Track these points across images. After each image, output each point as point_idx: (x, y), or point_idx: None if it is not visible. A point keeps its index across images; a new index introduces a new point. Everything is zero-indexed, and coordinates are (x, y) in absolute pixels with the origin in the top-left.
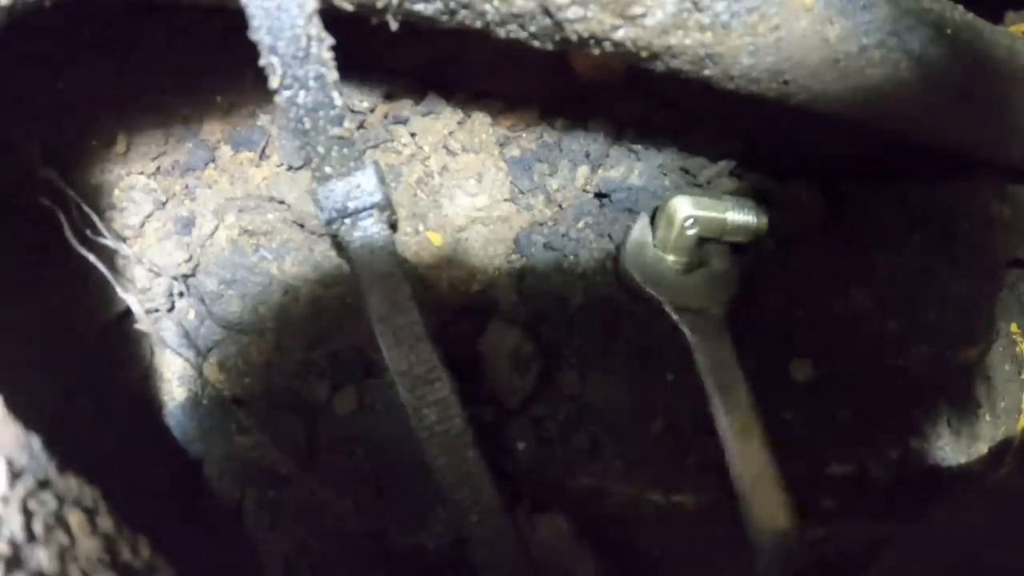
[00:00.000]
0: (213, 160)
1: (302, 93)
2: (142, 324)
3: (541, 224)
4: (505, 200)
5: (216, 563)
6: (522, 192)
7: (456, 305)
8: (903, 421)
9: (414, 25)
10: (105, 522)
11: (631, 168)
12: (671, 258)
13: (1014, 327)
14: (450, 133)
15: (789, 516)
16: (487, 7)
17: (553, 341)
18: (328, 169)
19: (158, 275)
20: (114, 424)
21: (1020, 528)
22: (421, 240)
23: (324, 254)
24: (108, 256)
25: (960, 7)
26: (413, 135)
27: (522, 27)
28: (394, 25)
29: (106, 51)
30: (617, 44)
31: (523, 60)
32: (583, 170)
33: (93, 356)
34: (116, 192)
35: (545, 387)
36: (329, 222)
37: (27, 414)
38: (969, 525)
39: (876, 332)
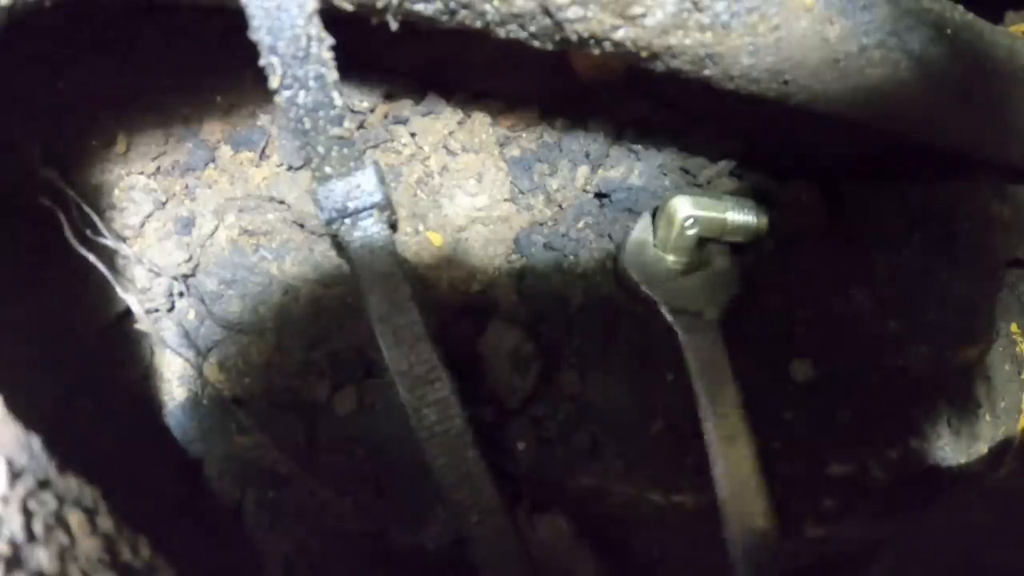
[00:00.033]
0: (213, 160)
1: (302, 93)
2: (142, 324)
3: (541, 224)
4: (505, 200)
5: (216, 563)
6: (522, 192)
7: (456, 305)
8: (903, 421)
9: (414, 25)
10: (105, 522)
11: (631, 168)
12: (671, 258)
13: (1014, 327)
14: (450, 133)
15: (770, 522)
16: (487, 7)
17: (553, 341)
18: (328, 169)
19: (158, 275)
20: (114, 424)
21: (1020, 528)
22: (421, 240)
23: (324, 254)
24: (108, 256)
25: (960, 7)
26: (413, 135)
27: (522, 27)
28: (394, 25)
29: (106, 51)
30: (617, 44)
31: (523, 60)
32: (583, 170)
33: (93, 356)
34: (116, 192)
35: (545, 387)
36: (329, 222)
37: (27, 414)
38: (969, 525)
39: (876, 332)
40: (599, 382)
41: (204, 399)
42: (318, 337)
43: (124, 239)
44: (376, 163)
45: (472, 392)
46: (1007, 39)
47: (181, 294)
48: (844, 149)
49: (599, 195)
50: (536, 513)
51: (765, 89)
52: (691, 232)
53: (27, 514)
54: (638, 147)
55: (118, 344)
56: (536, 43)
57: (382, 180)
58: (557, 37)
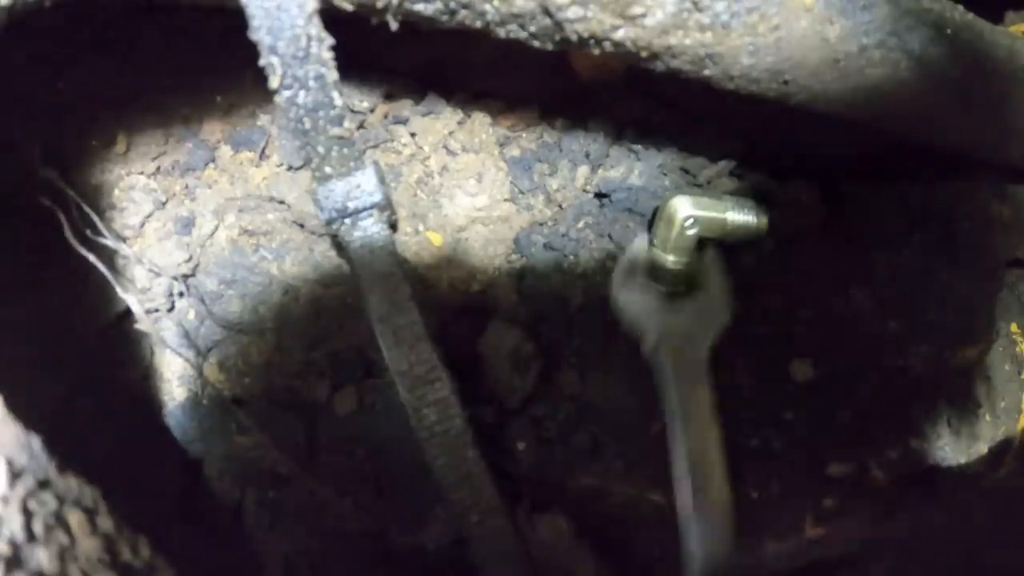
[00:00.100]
0: (213, 160)
1: (302, 93)
2: (142, 324)
3: (541, 224)
4: (505, 200)
5: (216, 563)
6: (522, 192)
7: (456, 305)
8: (903, 421)
9: (414, 25)
10: (105, 522)
11: (631, 168)
12: (671, 258)
13: (1014, 327)
14: (450, 133)
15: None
16: (487, 7)
17: (553, 341)
18: (328, 169)
19: (158, 275)
20: (114, 424)
21: (1020, 528)
22: (421, 240)
23: (324, 254)
24: (108, 256)
25: (960, 7)
26: (413, 135)
27: (522, 27)
28: (394, 25)
29: (106, 51)
30: (617, 44)
31: (523, 60)
32: (583, 170)
33: (93, 356)
34: (116, 192)
35: (545, 387)
36: (329, 222)
37: (27, 414)
38: (969, 525)
39: (876, 332)
40: (599, 382)
41: (204, 399)
42: (318, 337)
43: (124, 239)
44: (376, 163)
45: (472, 392)
46: (1007, 39)
47: (181, 294)
48: (844, 149)
49: (599, 195)
50: (536, 513)
51: (765, 89)
52: (691, 232)
53: (27, 514)
54: (638, 147)
55: (118, 344)
56: (536, 43)
57: (382, 180)
58: (557, 37)
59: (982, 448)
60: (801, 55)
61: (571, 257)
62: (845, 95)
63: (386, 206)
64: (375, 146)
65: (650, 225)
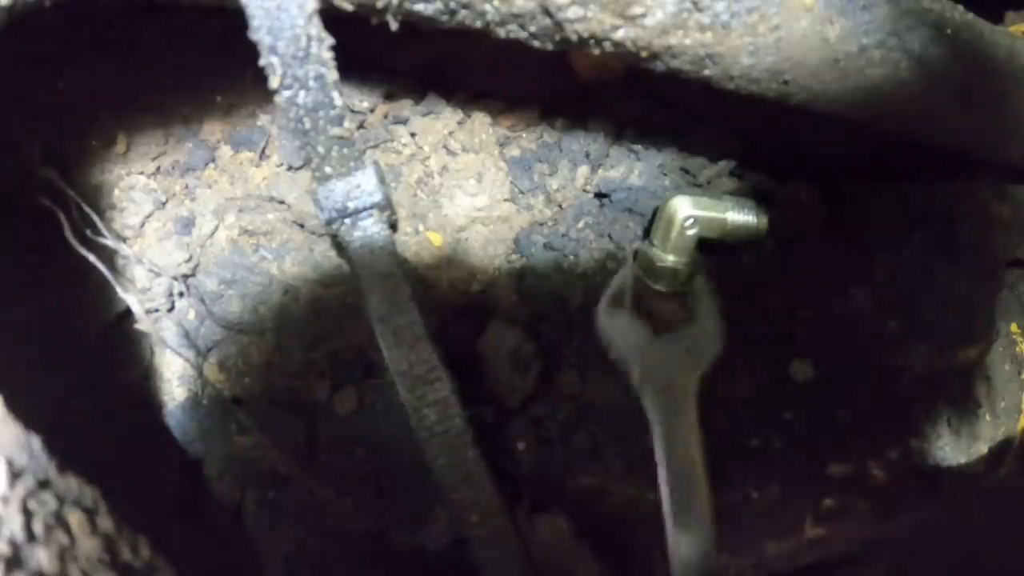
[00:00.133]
0: (213, 160)
1: (302, 93)
2: (142, 324)
3: (541, 224)
4: (505, 200)
5: (216, 563)
6: (522, 192)
7: (456, 305)
8: (903, 421)
9: (414, 25)
10: (105, 522)
11: (631, 168)
12: (671, 258)
13: (1014, 327)
14: (450, 133)
15: None
16: (487, 7)
17: (553, 341)
18: (328, 169)
19: (158, 275)
20: (114, 424)
21: (1020, 528)
22: (421, 240)
23: (324, 254)
24: (108, 256)
25: (960, 7)
26: (413, 135)
27: (522, 27)
28: (394, 25)
29: (106, 51)
30: (617, 44)
31: (523, 60)
32: (583, 170)
33: (93, 356)
34: (116, 192)
35: (545, 387)
36: (329, 222)
37: (27, 414)
38: (969, 525)
39: (876, 332)
40: (599, 382)
41: (204, 399)
42: (318, 337)
43: (124, 239)
44: (376, 163)
45: (472, 392)
46: (1007, 39)
47: (181, 294)
48: (844, 149)
49: (599, 195)
50: (536, 513)
51: (765, 89)
52: (691, 232)
53: (27, 514)
54: (638, 147)
55: (118, 344)
56: (536, 43)
57: (382, 180)
58: (557, 37)
59: (982, 448)
60: (801, 55)
61: (571, 257)
62: (845, 95)
63: (386, 206)
64: (375, 146)
65: (650, 225)
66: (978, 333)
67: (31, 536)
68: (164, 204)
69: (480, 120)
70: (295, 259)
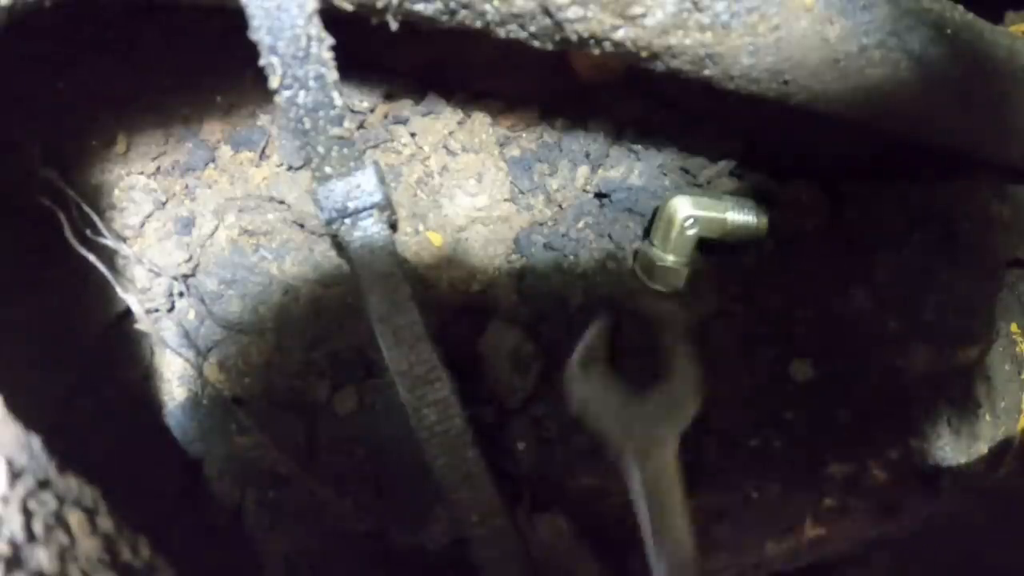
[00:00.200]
0: (213, 160)
1: (302, 93)
2: (142, 324)
3: (541, 224)
4: (505, 200)
5: (216, 563)
6: (522, 192)
7: (456, 305)
8: (903, 421)
9: (414, 25)
10: (105, 522)
11: (631, 168)
12: (671, 258)
13: (1014, 327)
14: (450, 133)
15: None
16: (487, 7)
17: (553, 341)
18: (328, 169)
19: (158, 275)
20: (114, 424)
21: (1020, 528)
22: (421, 240)
23: (324, 254)
24: (108, 256)
25: (960, 7)
26: (413, 135)
27: (522, 27)
28: (394, 25)
29: (106, 51)
30: (617, 44)
31: (523, 60)
32: (583, 170)
33: (93, 356)
34: (116, 192)
35: (545, 387)
36: (329, 222)
37: (27, 414)
38: (969, 525)
39: (876, 332)
40: None
41: (204, 399)
42: (318, 337)
43: (124, 239)
44: (376, 163)
45: (472, 392)
46: (1007, 39)
47: (181, 294)
48: (844, 149)
49: (599, 195)
50: (536, 513)
51: (765, 89)
52: (691, 232)
53: (27, 514)
54: (638, 147)
55: (118, 344)
56: (536, 43)
57: (382, 180)
58: (557, 37)
59: (982, 448)
60: (801, 55)
61: (571, 257)
62: (845, 95)
63: (386, 206)
64: (375, 146)
65: (650, 225)
66: (978, 333)
67: (31, 536)
68: (164, 204)
69: (480, 120)
70: (295, 259)
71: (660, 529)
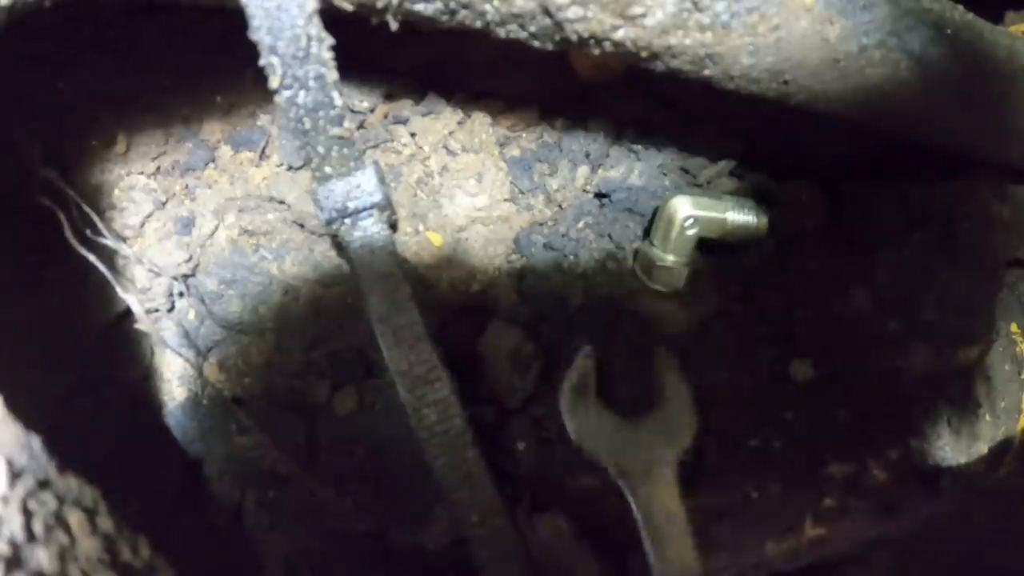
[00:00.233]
0: (213, 160)
1: (302, 93)
2: (142, 324)
3: (541, 224)
4: (505, 200)
5: (216, 563)
6: (522, 192)
7: (456, 305)
8: (903, 421)
9: (414, 25)
10: (105, 522)
11: (631, 168)
12: (671, 258)
13: (1014, 327)
14: (450, 133)
15: None
16: (487, 7)
17: (553, 341)
18: (328, 169)
19: (158, 275)
20: (114, 424)
21: (1020, 528)
22: (421, 240)
23: (324, 254)
24: (108, 256)
25: (960, 7)
26: (413, 135)
27: (522, 27)
28: (394, 25)
29: (106, 51)
30: (617, 44)
31: (523, 60)
32: (583, 170)
33: (93, 356)
34: (116, 192)
35: (545, 387)
36: (329, 222)
37: (27, 414)
38: (969, 525)
39: (876, 332)
40: None
41: (204, 399)
42: (318, 337)
43: (124, 239)
44: (376, 163)
45: (472, 392)
46: (1007, 39)
47: (181, 294)
48: (844, 149)
49: (599, 195)
50: (536, 513)
51: (765, 89)
52: (691, 232)
53: (27, 514)
54: (638, 147)
55: (118, 344)
56: (536, 43)
57: (382, 180)
58: (557, 37)
59: (982, 448)
60: (801, 55)
61: (571, 257)
62: (845, 95)
63: (386, 206)
64: (375, 146)
65: (650, 225)
66: (978, 333)
67: (31, 536)
68: (164, 204)
69: (480, 120)
70: (295, 259)
71: (664, 556)
